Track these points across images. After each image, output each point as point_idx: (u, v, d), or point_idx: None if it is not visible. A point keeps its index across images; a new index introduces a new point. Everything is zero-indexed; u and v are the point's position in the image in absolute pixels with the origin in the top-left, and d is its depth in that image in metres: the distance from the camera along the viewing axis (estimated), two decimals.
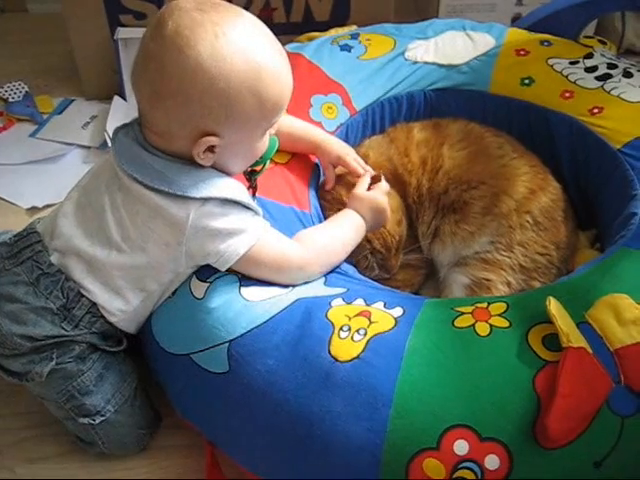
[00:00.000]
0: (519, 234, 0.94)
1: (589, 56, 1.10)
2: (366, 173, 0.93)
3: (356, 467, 0.66)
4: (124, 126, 0.77)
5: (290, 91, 0.75)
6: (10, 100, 1.45)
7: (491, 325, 0.71)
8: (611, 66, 1.07)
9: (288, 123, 0.91)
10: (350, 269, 0.86)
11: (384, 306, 0.75)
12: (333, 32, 1.21)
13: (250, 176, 0.82)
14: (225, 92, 0.68)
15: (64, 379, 0.77)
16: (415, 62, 1.12)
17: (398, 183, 1.00)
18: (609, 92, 1.03)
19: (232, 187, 0.74)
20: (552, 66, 1.09)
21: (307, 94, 1.04)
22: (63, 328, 0.76)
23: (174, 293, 0.79)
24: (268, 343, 0.71)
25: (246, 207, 0.74)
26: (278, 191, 0.90)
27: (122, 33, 1.36)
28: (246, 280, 0.77)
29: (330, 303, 0.75)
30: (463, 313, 0.73)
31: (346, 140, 1.07)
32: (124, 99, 1.41)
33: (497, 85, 1.11)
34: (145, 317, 0.81)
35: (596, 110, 1.02)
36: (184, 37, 0.67)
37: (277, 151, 0.82)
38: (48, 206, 1.20)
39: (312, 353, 0.69)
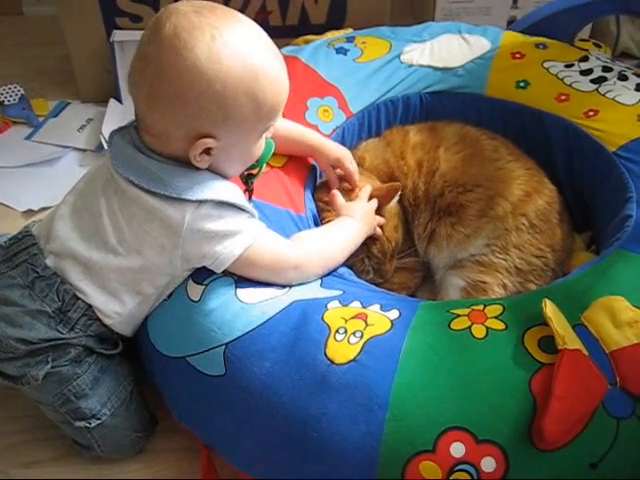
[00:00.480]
0: (515, 237, 0.94)
1: (584, 59, 1.11)
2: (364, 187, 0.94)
3: (352, 470, 0.66)
4: (120, 129, 0.77)
5: (286, 94, 0.75)
6: (6, 103, 1.44)
7: (487, 327, 0.71)
8: (606, 69, 1.08)
9: (285, 126, 0.92)
10: (346, 272, 0.86)
11: (380, 308, 0.75)
12: (329, 35, 1.22)
13: (246, 179, 0.82)
14: (222, 94, 0.68)
15: (60, 382, 0.77)
16: (411, 65, 1.13)
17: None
18: (604, 95, 1.03)
19: (228, 189, 0.74)
20: (547, 69, 1.10)
21: (303, 97, 1.04)
22: (59, 331, 0.76)
23: (170, 296, 0.79)
24: (264, 345, 0.71)
25: (242, 209, 0.75)
26: (274, 194, 0.90)
27: (118, 36, 1.36)
28: (242, 282, 0.77)
29: (326, 305, 0.75)
30: (459, 315, 0.73)
31: (342, 143, 1.07)
32: (120, 102, 1.41)
33: (493, 88, 1.11)
34: (141, 320, 0.81)
35: (591, 113, 1.02)
36: (182, 39, 0.67)
37: (273, 154, 0.82)
38: (44, 209, 1.20)
39: (308, 355, 0.69)
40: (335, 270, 0.84)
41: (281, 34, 1.40)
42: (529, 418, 0.63)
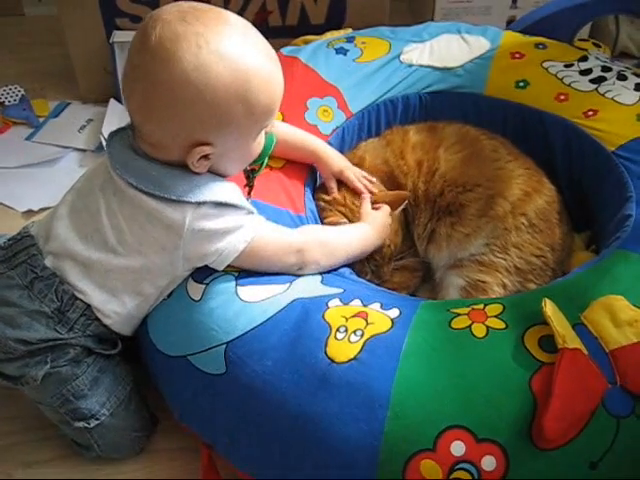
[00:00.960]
0: (514, 236, 0.94)
1: (584, 59, 1.11)
2: (367, 194, 0.95)
3: (353, 468, 0.66)
4: (119, 131, 0.77)
5: (281, 93, 0.74)
6: (6, 104, 1.45)
7: (487, 326, 0.71)
8: (605, 69, 1.08)
9: (286, 130, 0.92)
10: (346, 271, 0.86)
11: (381, 307, 0.75)
12: (329, 35, 1.22)
13: (249, 175, 0.82)
14: (213, 103, 0.68)
15: (59, 383, 0.77)
16: (410, 65, 1.13)
17: (394, 185, 1.00)
18: (603, 95, 1.03)
19: (226, 190, 0.74)
20: (547, 69, 1.10)
21: (303, 97, 1.04)
22: (57, 331, 0.76)
23: (170, 295, 0.79)
24: (265, 344, 0.71)
25: (240, 207, 0.75)
26: (273, 195, 0.90)
27: (118, 36, 1.36)
28: (243, 281, 0.77)
29: (327, 304, 0.75)
30: (459, 314, 0.73)
31: (342, 143, 1.07)
32: (120, 102, 1.41)
33: (492, 88, 1.11)
34: (140, 319, 0.81)
35: (591, 113, 1.02)
36: (168, 51, 0.66)
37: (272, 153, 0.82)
38: (44, 209, 1.20)
39: (309, 354, 0.69)
40: (336, 269, 0.84)
41: (281, 34, 1.41)
42: (529, 417, 0.63)
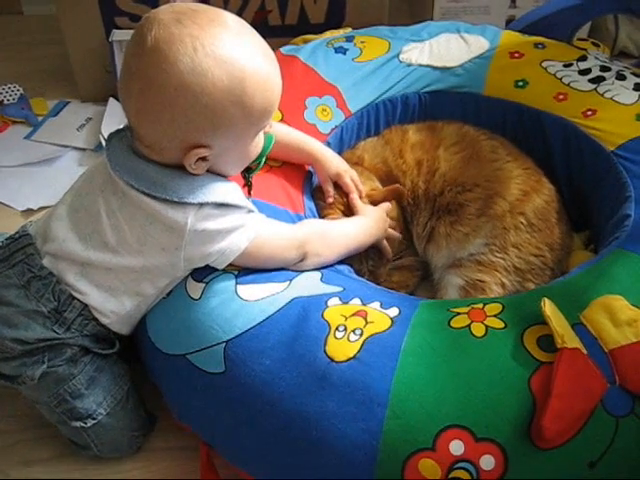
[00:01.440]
0: (513, 236, 0.95)
1: (583, 59, 1.11)
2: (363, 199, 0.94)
3: (352, 467, 0.66)
4: (117, 132, 0.77)
5: (279, 94, 0.74)
6: (5, 102, 1.45)
7: (487, 326, 0.71)
8: (604, 69, 1.08)
9: (283, 132, 0.92)
10: (346, 269, 0.86)
11: (380, 306, 0.75)
12: (328, 34, 1.22)
13: (246, 174, 0.82)
14: (209, 106, 0.67)
15: (55, 382, 0.77)
16: (410, 64, 1.13)
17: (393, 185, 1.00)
18: (603, 94, 1.03)
19: (228, 190, 0.74)
20: (546, 68, 1.10)
21: (302, 96, 1.04)
22: (54, 331, 0.76)
23: (170, 294, 0.78)
24: (264, 343, 0.71)
25: (241, 207, 0.74)
26: (272, 194, 0.90)
27: (117, 35, 1.36)
28: (242, 279, 0.77)
29: (326, 302, 0.75)
30: (459, 314, 0.73)
31: (341, 142, 1.07)
32: (119, 101, 1.41)
33: (491, 87, 1.11)
34: (138, 319, 0.81)
35: (590, 112, 1.02)
36: (163, 54, 0.66)
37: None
38: (43, 208, 1.20)
39: (308, 353, 0.69)
40: (334, 266, 0.84)
41: (280, 33, 1.41)
42: (528, 416, 0.63)
